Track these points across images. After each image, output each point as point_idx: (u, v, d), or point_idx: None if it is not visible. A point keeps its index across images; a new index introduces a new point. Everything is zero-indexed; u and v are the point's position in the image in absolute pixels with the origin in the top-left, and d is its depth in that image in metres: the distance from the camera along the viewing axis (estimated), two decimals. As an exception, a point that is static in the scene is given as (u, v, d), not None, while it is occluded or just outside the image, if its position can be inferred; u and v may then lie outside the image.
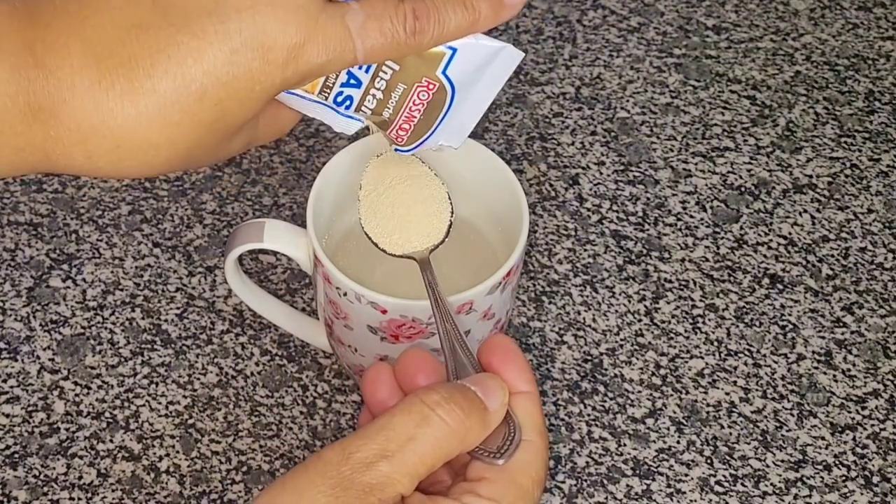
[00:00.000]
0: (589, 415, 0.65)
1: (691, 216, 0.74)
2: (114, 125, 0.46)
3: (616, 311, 0.69)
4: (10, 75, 0.45)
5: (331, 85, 0.52)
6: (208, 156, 0.50)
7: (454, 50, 0.52)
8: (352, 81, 0.52)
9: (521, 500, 0.47)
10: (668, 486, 0.63)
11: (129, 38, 0.46)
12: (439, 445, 0.45)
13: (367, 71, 0.52)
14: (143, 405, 0.65)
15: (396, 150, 0.55)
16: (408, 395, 0.46)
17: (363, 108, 0.53)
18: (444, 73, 0.52)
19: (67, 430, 0.64)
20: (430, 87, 0.53)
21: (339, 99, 0.53)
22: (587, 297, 0.70)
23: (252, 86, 0.47)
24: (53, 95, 0.46)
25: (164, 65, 0.46)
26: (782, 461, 0.64)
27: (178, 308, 0.68)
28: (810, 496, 0.63)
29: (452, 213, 0.58)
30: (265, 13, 0.47)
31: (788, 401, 0.66)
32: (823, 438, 0.65)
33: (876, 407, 0.66)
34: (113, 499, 0.61)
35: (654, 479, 0.63)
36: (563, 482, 0.63)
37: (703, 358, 0.68)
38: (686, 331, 0.69)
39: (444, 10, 0.50)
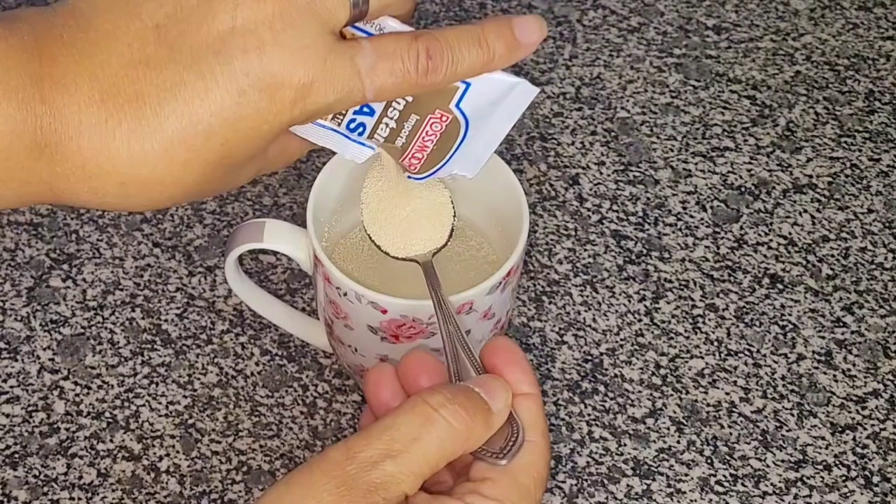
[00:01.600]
0: (589, 415, 0.65)
1: (691, 216, 0.74)
2: (119, 163, 0.46)
3: (616, 311, 0.69)
4: (17, 111, 0.45)
5: (343, 112, 0.52)
6: (215, 189, 0.50)
7: (468, 84, 0.51)
8: (365, 110, 0.52)
9: (524, 500, 0.47)
10: (669, 485, 0.63)
11: (136, 74, 0.46)
12: (443, 446, 0.45)
13: None
14: (143, 405, 0.65)
15: (410, 177, 0.55)
16: (411, 396, 0.47)
17: (376, 135, 0.53)
18: (457, 106, 0.52)
19: (67, 430, 0.64)
20: (444, 118, 0.52)
21: (352, 126, 0.52)
22: (587, 297, 0.70)
23: (259, 125, 0.47)
24: (59, 132, 0.46)
25: (172, 104, 0.46)
26: (782, 461, 0.64)
27: (178, 308, 0.68)
28: (810, 496, 0.63)
29: (455, 216, 0.58)
30: (272, 53, 0.46)
31: (788, 401, 0.66)
32: (823, 438, 0.65)
33: (876, 407, 0.66)
34: (113, 499, 0.61)
35: (654, 479, 0.63)
36: (564, 482, 0.63)
37: (703, 358, 0.68)
38: (686, 331, 0.69)
39: (458, 49, 0.49)
